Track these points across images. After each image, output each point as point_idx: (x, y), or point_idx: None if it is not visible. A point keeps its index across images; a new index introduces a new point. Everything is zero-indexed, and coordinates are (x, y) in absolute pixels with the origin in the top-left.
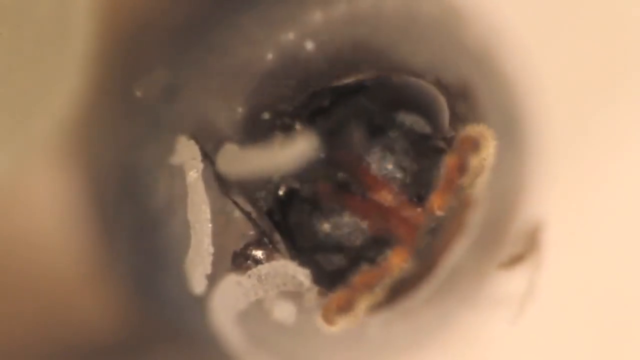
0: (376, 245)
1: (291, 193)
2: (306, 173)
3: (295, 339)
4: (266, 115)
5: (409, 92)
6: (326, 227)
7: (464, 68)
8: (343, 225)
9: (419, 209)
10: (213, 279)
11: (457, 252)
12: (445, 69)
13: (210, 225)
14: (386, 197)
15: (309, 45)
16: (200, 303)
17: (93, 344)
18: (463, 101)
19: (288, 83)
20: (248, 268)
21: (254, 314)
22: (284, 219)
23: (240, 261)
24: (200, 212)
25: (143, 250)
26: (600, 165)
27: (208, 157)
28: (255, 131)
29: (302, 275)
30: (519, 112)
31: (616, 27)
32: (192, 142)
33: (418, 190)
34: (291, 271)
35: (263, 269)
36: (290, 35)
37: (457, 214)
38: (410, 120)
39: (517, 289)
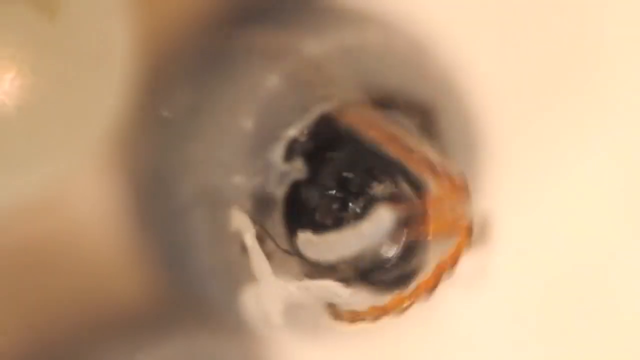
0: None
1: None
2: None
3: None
4: (275, 132)
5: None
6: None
7: (427, 90)
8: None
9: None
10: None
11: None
12: (413, 91)
13: (272, 276)
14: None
15: (307, 71)
16: (223, 288)
17: (128, 317)
18: (427, 116)
19: (289, 104)
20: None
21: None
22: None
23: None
24: (262, 266)
25: (171, 238)
26: (541, 165)
27: (258, 223)
28: (263, 142)
29: (345, 293)
30: (473, 124)
31: (555, 52)
32: (242, 213)
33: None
34: (335, 289)
35: (312, 283)
36: (290, 63)
37: None
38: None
39: (471, 267)
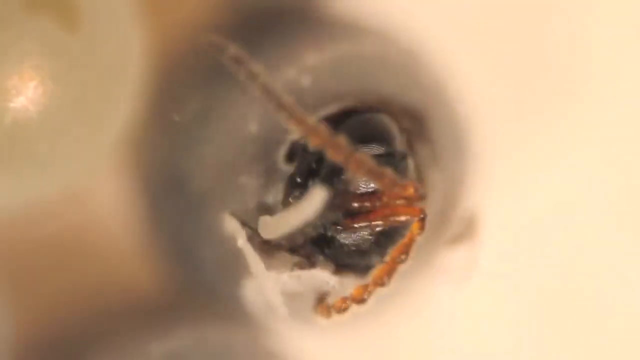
0: (387, 239)
1: (319, 231)
2: (323, 215)
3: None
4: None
5: (366, 126)
6: (351, 244)
7: (420, 96)
8: (362, 238)
9: (406, 184)
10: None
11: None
12: (406, 97)
13: (265, 271)
14: (381, 197)
15: (306, 80)
16: (229, 281)
17: (141, 305)
18: (420, 120)
19: None
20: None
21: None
22: (319, 248)
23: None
24: (256, 263)
25: (182, 232)
26: (526, 166)
27: (247, 225)
28: (266, 145)
29: (332, 280)
30: (462, 127)
31: (537, 63)
32: (233, 218)
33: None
34: (324, 277)
35: (302, 273)
36: (291, 72)
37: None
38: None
39: (459, 261)
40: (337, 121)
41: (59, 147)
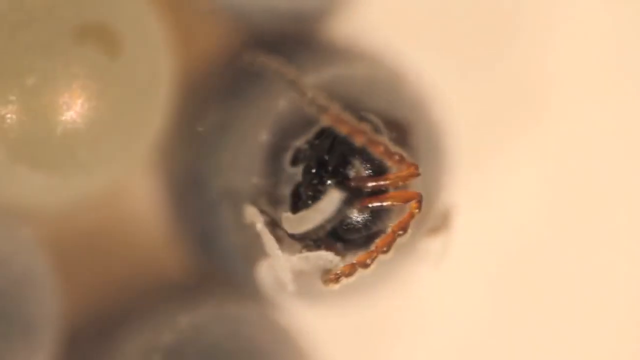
0: (384, 215)
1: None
2: (340, 211)
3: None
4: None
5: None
6: (356, 224)
7: (404, 110)
8: (365, 218)
9: (402, 165)
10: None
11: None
12: (393, 112)
13: (280, 252)
14: (386, 179)
15: (309, 95)
16: (244, 264)
17: (171, 285)
18: (404, 131)
19: (296, 120)
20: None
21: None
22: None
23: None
24: (271, 244)
25: (204, 224)
26: (490, 169)
27: (265, 212)
28: (275, 151)
29: (335, 259)
30: (439, 138)
31: (508, 86)
32: (252, 207)
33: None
34: (328, 256)
35: (310, 254)
36: (294, 91)
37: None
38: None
39: (436, 247)
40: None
41: (101, 153)
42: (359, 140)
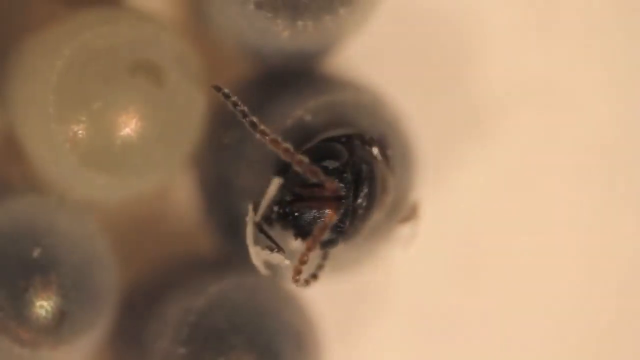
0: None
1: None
2: (281, 194)
3: None
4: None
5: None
6: (309, 219)
7: (384, 128)
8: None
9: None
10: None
11: (377, 217)
12: (375, 129)
13: (253, 244)
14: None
15: (307, 117)
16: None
17: (203, 262)
18: (383, 145)
19: (299, 135)
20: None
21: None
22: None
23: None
24: (248, 236)
25: (230, 214)
26: (450, 173)
27: (255, 209)
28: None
29: (286, 261)
30: (410, 150)
31: (463, 107)
32: (250, 205)
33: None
34: (280, 259)
35: (265, 253)
36: (299, 111)
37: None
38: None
39: (406, 233)
40: (327, 139)
41: (150, 160)
42: (313, 177)
